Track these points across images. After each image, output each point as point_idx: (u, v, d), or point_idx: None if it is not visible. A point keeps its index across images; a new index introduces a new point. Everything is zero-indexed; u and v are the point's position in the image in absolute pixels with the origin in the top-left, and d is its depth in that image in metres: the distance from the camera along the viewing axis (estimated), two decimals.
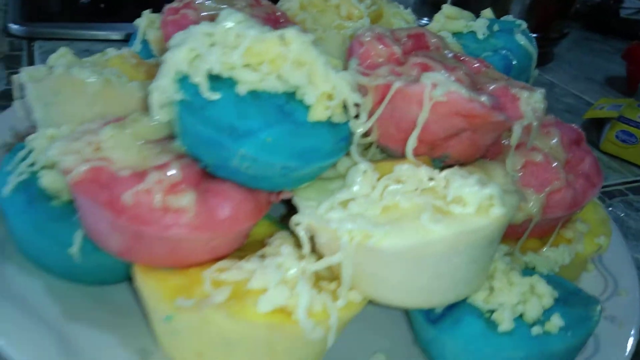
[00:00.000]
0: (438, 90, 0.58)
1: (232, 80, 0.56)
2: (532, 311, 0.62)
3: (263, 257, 0.61)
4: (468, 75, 0.66)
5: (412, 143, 0.62)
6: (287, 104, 0.58)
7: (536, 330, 0.60)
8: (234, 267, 0.59)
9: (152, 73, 0.79)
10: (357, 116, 0.63)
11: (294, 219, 0.60)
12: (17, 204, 0.65)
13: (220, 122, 0.55)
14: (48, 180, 0.66)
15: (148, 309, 0.59)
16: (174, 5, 0.82)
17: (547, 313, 0.62)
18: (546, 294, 0.63)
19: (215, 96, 0.55)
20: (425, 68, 0.65)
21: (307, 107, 0.58)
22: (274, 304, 0.54)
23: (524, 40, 0.84)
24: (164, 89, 0.57)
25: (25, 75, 0.74)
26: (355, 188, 0.60)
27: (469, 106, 0.59)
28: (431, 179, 0.60)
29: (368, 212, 0.57)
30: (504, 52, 0.82)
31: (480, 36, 0.85)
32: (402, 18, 0.97)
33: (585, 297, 0.67)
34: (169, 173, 0.56)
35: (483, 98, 0.60)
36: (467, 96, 0.59)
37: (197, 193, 0.57)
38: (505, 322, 0.60)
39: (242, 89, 0.55)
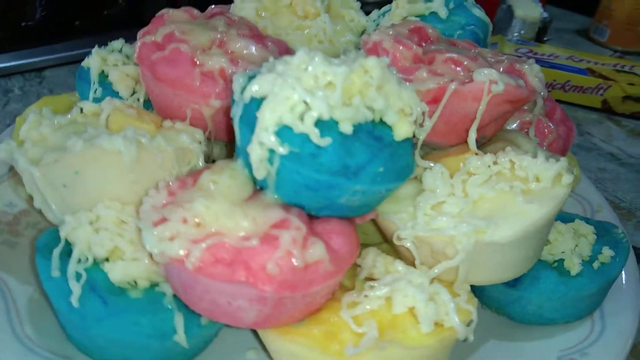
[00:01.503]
0: (499, 85, 0.63)
1: (331, 121, 0.55)
2: (585, 250, 0.73)
3: (371, 279, 0.63)
4: (485, 60, 0.72)
5: (473, 135, 0.67)
6: (375, 130, 0.58)
7: (596, 264, 0.72)
8: (363, 299, 0.59)
9: (157, 121, 0.72)
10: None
11: (399, 234, 0.62)
12: (92, 312, 0.57)
13: (333, 165, 0.54)
14: (118, 274, 0.58)
15: None
16: (148, 39, 0.74)
17: (594, 248, 0.74)
18: (589, 232, 0.75)
19: (327, 141, 0.53)
20: (457, 63, 0.70)
21: (389, 127, 0.59)
22: (432, 320, 0.56)
23: (479, 12, 0.92)
24: (263, 145, 0.54)
25: (22, 160, 0.62)
26: (439, 190, 0.64)
27: (517, 92, 0.66)
28: (495, 163, 0.66)
29: (464, 211, 0.62)
30: (470, 27, 0.90)
31: (442, 16, 0.91)
32: (350, 7, 0.99)
33: (603, 224, 0.80)
34: (296, 229, 0.54)
35: (520, 82, 0.67)
36: (515, 84, 0.65)
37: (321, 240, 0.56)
38: (575, 266, 0.71)
39: (346, 128, 0.54)
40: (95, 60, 0.83)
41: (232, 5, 0.94)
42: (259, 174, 0.56)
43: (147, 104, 0.82)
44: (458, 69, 0.69)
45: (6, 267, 0.70)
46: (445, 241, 0.60)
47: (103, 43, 1.53)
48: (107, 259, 0.60)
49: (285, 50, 0.81)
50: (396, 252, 0.68)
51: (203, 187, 0.58)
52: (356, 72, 0.56)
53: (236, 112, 0.59)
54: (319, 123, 0.53)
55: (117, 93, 0.82)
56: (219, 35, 0.76)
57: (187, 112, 0.73)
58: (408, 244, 0.62)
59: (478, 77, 0.64)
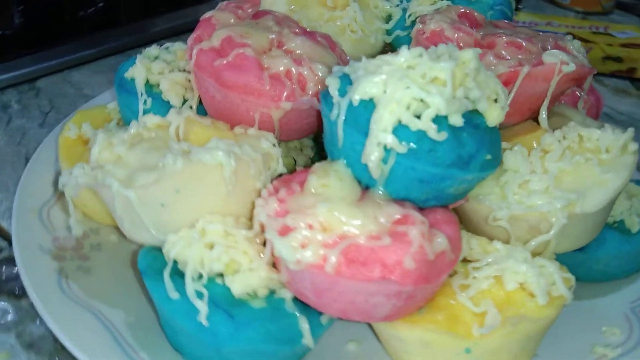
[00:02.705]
0: (570, 65, 0.66)
1: (443, 115, 0.56)
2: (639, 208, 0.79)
3: (467, 261, 0.66)
4: (538, 40, 0.76)
5: (544, 114, 0.71)
6: (471, 119, 0.61)
7: (633, 224, 0.78)
8: (472, 280, 0.62)
9: (229, 130, 0.71)
10: None
11: (495, 215, 0.65)
12: (222, 328, 0.57)
13: (448, 157, 0.56)
14: (240, 286, 0.59)
15: (432, 350, 0.60)
16: (205, 45, 0.73)
17: None
18: (639, 192, 0.81)
19: (443, 136, 0.55)
20: (518, 46, 0.73)
21: (481, 115, 0.62)
22: (546, 293, 0.60)
23: None
24: (380, 145, 0.55)
25: (116, 184, 0.60)
26: (522, 169, 0.67)
27: (582, 71, 0.69)
28: (564, 138, 0.70)
29: (552, 187, 0.65)
30: (499, 7, 0.93)
31: None
32: None
33: None
34: (421, 223, 0.56)
35: (579, 59, 0.71)
36: (580, 63, 0.69)
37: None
38: (635, 225, 0.76)
39: (457, 121, 0.56)
40: (140, 70, 0.80)
41: (262, 2, 0.93)
42: (376, 173, 0.57)
43: (199, 111, 0.81)
44: (519, 51, 0.72)
45: (93, 295, 0.68)
46: (539, 217, 0.64)
47: (87, 47, 1.48)
48: (221, 274, 0.60)
49: (332, 44, 0.81)
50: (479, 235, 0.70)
51: (315, 191, 0.59)
52: (458, 66, 0.58)
53: (338, 115, 0.59)
54: (435, 119, 0.55)
55: (167, 102, 0.80)
56: (275, 36, 0.76)
57: (255, 117, 0.73)
58: (503, 224, 0.65)
59: (549, 59, 0.68)
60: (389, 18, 0.99)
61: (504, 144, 0.70)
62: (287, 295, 0.60)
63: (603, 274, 0.79)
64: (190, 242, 0.60)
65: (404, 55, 0.57)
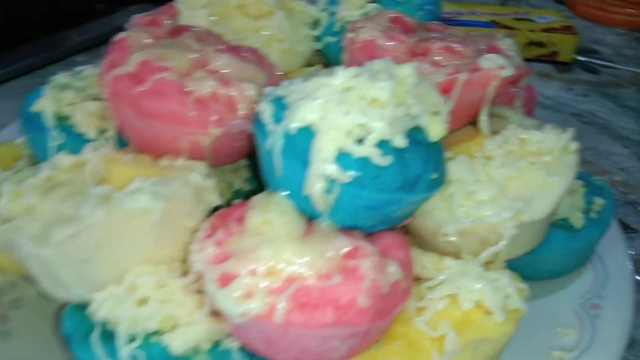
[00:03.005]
0: (508, 69, 0.65)
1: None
2: (580, 203, 0.79)
3: (420, 280, 0.63)
4: (472, 43, 0.74)
5: (485, 119, 0.69)
6: (414, 136, 0.58)
7: (593, 215, 0.78)
8: (428, 302, 0.60)
9: (154, 163, 0.65)
10: None
11: (444, 231, 0.63)
12: None
13: (394, 182, 0.53)
14: (181, 344, 0.53)
15: None
16: (120, 71, 0.66)
17: (585, 200, 0.80)
18: (578, 186, 0.81)
19: (388, 160, 0.52)
20: (452, 51, 0.70)
21: (423, 130, 0.59)
22: (502, 309, 0.58)
23: None
24: (323, 176, 0.51)
25: (27, 241, 0.53)
26: (466, 180, 0.65)
27: (520, 72, 0.68)
28: (506, 142, 0.69)
29: (498, 196, 0.64)
30: (427, 7, 0.90)
31: None
32: None
33: (580, 175, 0.87)
34: (372, 254, 0.53)
35: (516, 60, 0.70)
36: (517, 65, 0.68)
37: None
38: (579, 221, 0.77)
39: (401, 142, 0.53)
40: (49, 102, 0.72)
41: (181, 14, 0.86)
42: (321, 205, 0.53)
43: (119, 142, 0.74)
44: (454, 56, 0.70)
45: None
46: (488, 228, 0.62)
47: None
48: (156, 331, 0.54)
49: (260, 58, 0.76)
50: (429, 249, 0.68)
51: (256, 230, 0.54)
52: (397, 83, 0.54)
53: (274, 144, 0.55)
54: (377, 143, 0.52)
55: (82, 135, 0.72)
56: (196, 55, 0.69)
57: (182, 146, 0.67)
58: (453, 238, 0.63)
59: (486, 64, 0.66)
60: (315, 23, 0.94)
61: (446, 154, 0.67)
62: (233, 345, 0.55)
63: (550, 273, 0.79)
64: (119, 300, 0.54)
65: (341, 77, 0.53)
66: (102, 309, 0.54)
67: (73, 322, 0.56)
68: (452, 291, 0.60)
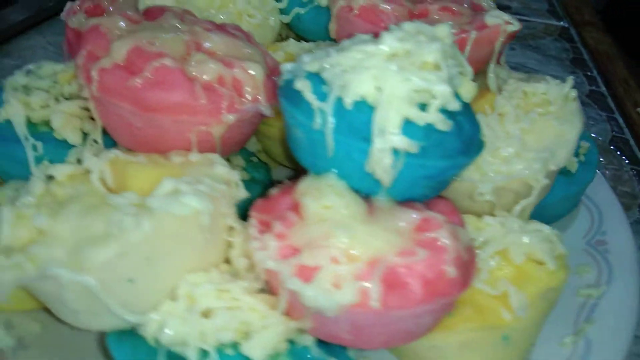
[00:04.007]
0: (515, 24, 0.65)
1: None
2: None
3: None
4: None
5: (493, 76, 0.69)
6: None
7: (581, 158, 0.82)
8: (480, 263, 0.59)
9: (168, 163, 0.58)
10: None
11: (480, 190, 0.63)
12: None
13: (454, 147, 0.52)
14: (261, 351, 0.48)
15: (471, 349, 0.56)
16: (106, 63, 0.58)
17: None
18: None
19: (450, 125, 0.50)
20: (450, 11, 0.70)
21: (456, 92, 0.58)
22: (553, 257, 0.60)
23: None
24: (390, 149, 0.48)
25: (65, 271, 0.45)
26: (490, 138, 0.65)
27: (520, 27, 0.69)
28: (511, 97, 0.70)
29: (522, 150, 0.65)
30: None
31: None
32: None
33: None
34: (445, 223, 0.51)
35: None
36: (518, 22, 0.68)
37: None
38: (574, 164, 0.79)
39: (455, 105, 0.51)
40: (16, 107, 0.61)
41: None
42: (386, 180, 0.50)
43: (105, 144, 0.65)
44: (453, 16, 0.69)
45: None
46: (521, 182, 0.63)
47: None
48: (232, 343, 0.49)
49: (247, 35, 0.70)
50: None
51: (318, 217, 0.50)
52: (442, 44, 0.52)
53: (324, 123, 0.50)
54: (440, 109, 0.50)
55: (63, 141, 0.63)
56: (189, 37, 0.62)
57: (191, 138, 0.60)
58: (488, 197, 0.63)
59: (492, 21, 0.66)
60: None
61: None
62: (308, 341, 0.52)
63: (551, 217, 0.82)
64: (181, 316, 0.48)
65: (387, 44, 0.50)
66: (166, 328, 0.47)
67: (126, 351, 0.49)
68: (500, 247, 0.60)
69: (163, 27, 0.63)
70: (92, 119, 0.64)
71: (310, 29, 0.87)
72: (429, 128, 0.49)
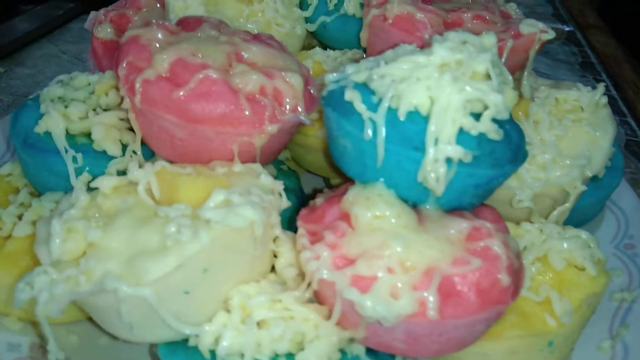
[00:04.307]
0: (550, 32, 0.66)
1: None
2: None
3: None
4: (494, 9, 0.74)
5: (528, 84, 0.70)
6: None
7: (607, 163, 0.83)
8: None
9: (213, 174, 0.58)
10: None
11: (519, 197, 0.63)
12: None
13: (504, 156, 0.52)
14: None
15: (518, 355, 0.57)
16: (149, 75, 0.58)
17: None
18: None
19: (501, 134, 0.51)
20: (483, 19, 0.70)
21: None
22: (594, 262, 0.60)
23: None
24: (443, 159, 0.49)
25: (123, 286, 0.45)
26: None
27: (554, 36, 0.70)
28: (544, 104, 0.71)
29: (558, 156, 0.65)
30: None
31: None
32: None
33: None
34: (495, 232, 0.52)
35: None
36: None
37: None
38: (602, 170, 0.81)
39: (505, 114, 0.52)
40: (57, 119, 0.61)
41: (170, 6, 0.77)
42: (439, 190, 0.51)
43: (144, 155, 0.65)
44: (486, 25, 0.70)
45: None
46: (559, 188, 0.64)
47: None
48: (287, 353, 0.49)
49: (280, 45, 0.70)
50: None
51: (371, 226, 0.50)
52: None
53: (375, 133, 0.51)
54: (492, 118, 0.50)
55: (102, 153, 0.63)
56: (230, 48, 0.63)
57: (233, 149, 0.60)
58: (527, 204, 0.64)
59: (527, 29, 0.66)
60: (301, 4, 0.89)
61: None
62: (359, 350, 0.52)
63: (578, 222, 0.82)
64: (237, 327, 0.48)
65: (440, 54, 0.50)
66: (223, 340, 0.47)
67: None
68: (540, 254, 0.61)
69: (202, 38, 0.64)
70: (131, 129, 0.64)
71: (336, 37, 0.88)
72: (482, 137, 0.50)
